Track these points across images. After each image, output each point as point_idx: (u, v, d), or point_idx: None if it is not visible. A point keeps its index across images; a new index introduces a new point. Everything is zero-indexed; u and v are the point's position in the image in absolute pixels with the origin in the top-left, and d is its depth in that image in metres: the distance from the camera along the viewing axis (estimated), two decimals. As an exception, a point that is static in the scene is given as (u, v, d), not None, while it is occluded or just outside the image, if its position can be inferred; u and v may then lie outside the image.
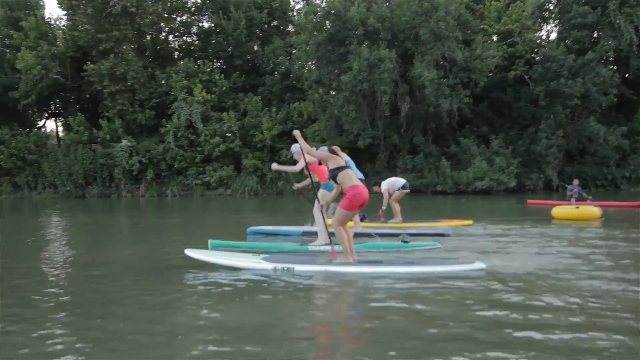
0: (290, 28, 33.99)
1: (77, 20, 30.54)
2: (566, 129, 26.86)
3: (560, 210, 12.47)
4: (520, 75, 27.23)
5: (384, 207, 12.19)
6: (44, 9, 36.05)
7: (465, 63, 25.38)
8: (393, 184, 12.21)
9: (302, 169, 8.12)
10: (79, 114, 32.05)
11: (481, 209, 17.15)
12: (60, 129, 37.62)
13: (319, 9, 26.90)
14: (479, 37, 26.29)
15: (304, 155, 7.36)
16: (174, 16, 33.99)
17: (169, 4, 32.39)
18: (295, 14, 34.12)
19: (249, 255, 6.83)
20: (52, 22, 34.09)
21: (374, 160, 27.75)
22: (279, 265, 6.18)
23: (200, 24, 34.82)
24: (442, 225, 10.90)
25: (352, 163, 9.12)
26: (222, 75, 31.32)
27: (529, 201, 18.00)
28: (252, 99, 30.25)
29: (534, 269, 5.99)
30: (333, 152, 6.74)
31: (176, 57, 34.83)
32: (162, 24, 33.45)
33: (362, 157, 27.69)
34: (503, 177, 24.83)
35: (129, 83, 29.88)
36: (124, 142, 29.49)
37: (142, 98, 30.77)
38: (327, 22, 26.29)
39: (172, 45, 35.77)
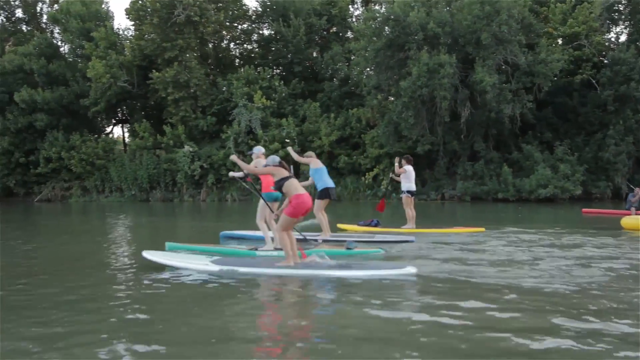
0: (349, 34, 34.05)
1: (143, 30, 31.69)
2: (637, 134, 25.68)
3: (631, 220, 11.88)
4: (587, 80, 26.25)
5: (395, 172, 12.22)
6: (113, 19, 37.62)
7: (529, 67, 24.69)
8: (409, 180, 12.00)
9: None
10: (144, 120, 33.16)
11: (531, 217, 16.60)
12: (126, 135, 39.16)
13: (378, 15, 26.83)
14: (543, 40, 25.55)
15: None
16: (236, 24, 34.75)
17: (230, 12, 33.15)
18: (354, 20, 34.20)
19: (200, 257, 7.35)
20: (121, 32, 35.53)
21: (433, 166, 27.42)
22: (225, 267, 6.71)
23: (261, 32, 35.42)
24: (454, 231, 11.09)
25: (324, 170, 10.08)
26: (282, 82, 31.71)
27: (584, 210, 17.28)
28: (311, 105, 30.48)
29: (467, 278, 6.17)
30: (281, 165, 7.03)
31: (237, 64, 35.58)
32: (224, 32, 34.24)
33: (421, 164, 27.39)
34: (568, 184, 23.99)
35: (191, 90, 30.71)
36: (187, 148, 30.28)
37: (204, 105, 31.56)
38: (387, 27, 26.18)
39: (233, 52, 36.57)
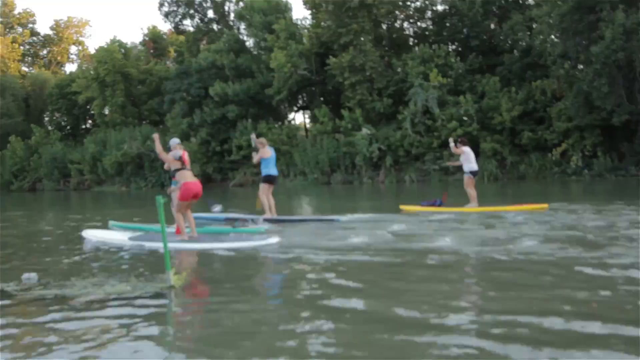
0: (531, 1, 31.82)
1: (319, 18, 32.86)
2: None
3: None
4: None
5: (452, 151, 12.89)
6: (291, 11, 39.49)
7: None
8: (470, 161, 12.39)
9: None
10: (323, 106, 34.39)
11: None
12: (307, 120, 41.00)
13: (563, -24, 24.72)
14: None
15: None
16: (409, 3, 34.37)
17: (403, -9, 32.94)
18: (536, -15, 31.88)
19: (124, 233, 9.33)
20: (299, 22, 37.16)
21: (632, 138, 24.69)
22: (135, 243, 8.52)
23: (435, 8, 34.61)
24: (514, 209, 11.35)
25: (272, 159, 11.53)
26: (458, 58, 30.78)
27: None
28: (490, 79, 29.15)
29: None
30: (180, 159, 8.66)
31: (411, 43, 35.22)
32: (397, 12, 34.09)
33: (617, 136, 24.97)
34: None
35: (367, 73, 31.13)
36: (364, 131, 30.81)
37: (379, 87, 31.82)
38: (574, -11, 24.04)
39: (407, 32, 36.25)
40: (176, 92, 38.14)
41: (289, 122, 39.85)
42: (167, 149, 9.06)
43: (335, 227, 9.90)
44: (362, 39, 31.43)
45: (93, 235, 9.30)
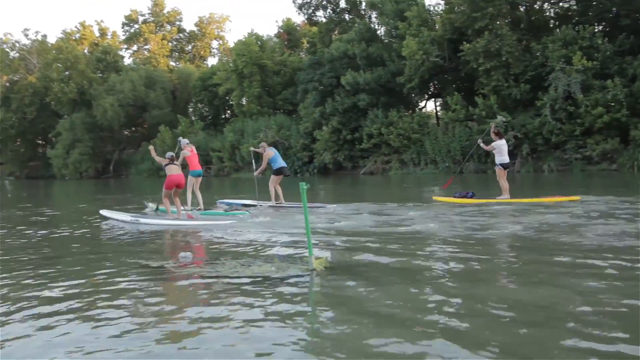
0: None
1: (453, 3, 32.01)
2: None
3: None
4: None
5: (481, 143, 13.35)
6: (424, -3, 38.84)
7: None
8: (501, 153, 12.60)
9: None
10: (455, 93, 33.56)
11: None
12: (438, 108, 40.24)
13: None
14: None
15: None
16: (550, -18, 32.46)
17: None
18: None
19: (127, 213, 11.61)
20: (431, 8, 36.51)
21: None
22: (133, 219, 10.75)
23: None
24: (547, 201, 11.49)
25: (278, 155, 13.38)
26: (606, 39, 28.50)
27: None
28: (643, 61, 26.76)
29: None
30: (171, 159, 10.78)
31: (552, 25, 33.23)
32: (537, -8, 32.34)
33: None
34: None
35: (503, 58, 29.89)
36: (499, 118, 29.60)
37: (516, 72, 30.43)
38: None
39: (548, 13, 34.22)
40: (309, 82, 39.19)
41: (420, 110, 39.43)
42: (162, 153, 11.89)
43: (474, 214, 9.89)
44: (498, 22, 30.24)
45: (107, 214, 11.69)
